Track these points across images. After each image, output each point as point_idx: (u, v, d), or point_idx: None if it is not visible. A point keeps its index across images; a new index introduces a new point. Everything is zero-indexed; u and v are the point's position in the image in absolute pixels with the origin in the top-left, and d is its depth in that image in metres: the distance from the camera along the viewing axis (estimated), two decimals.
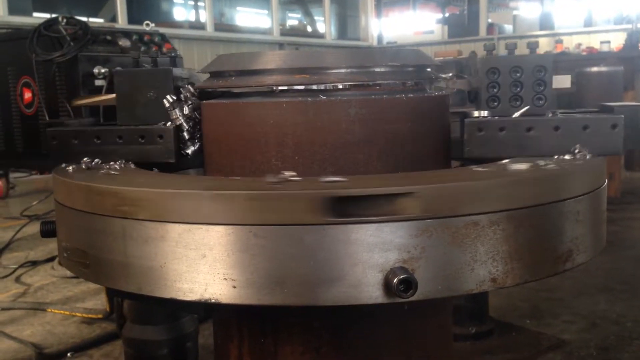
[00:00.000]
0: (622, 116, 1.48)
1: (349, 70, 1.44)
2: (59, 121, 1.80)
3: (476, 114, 1.57)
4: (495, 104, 1.57)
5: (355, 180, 1.24)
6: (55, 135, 1.74)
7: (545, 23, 16.62)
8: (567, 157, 1.46)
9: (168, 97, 1.63)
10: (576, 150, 1.47)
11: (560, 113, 1.58)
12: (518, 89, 1.55)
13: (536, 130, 1.50)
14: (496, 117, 1.54)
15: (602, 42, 10.29)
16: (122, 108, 1.73)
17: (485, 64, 1.57)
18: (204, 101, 1.61)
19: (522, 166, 1.37)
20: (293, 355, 1.49)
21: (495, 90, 1.57)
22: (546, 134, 1.49)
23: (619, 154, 1.51)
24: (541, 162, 1.40)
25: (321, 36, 16.25)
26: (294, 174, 1.27)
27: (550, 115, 1.54)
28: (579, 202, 1.33)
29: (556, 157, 1.46)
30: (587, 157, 1.45)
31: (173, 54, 1.99)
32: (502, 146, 1.51)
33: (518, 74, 1.55)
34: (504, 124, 1.52)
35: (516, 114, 1.54)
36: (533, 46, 1.62)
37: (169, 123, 1.64)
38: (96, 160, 1.63)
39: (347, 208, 1.13)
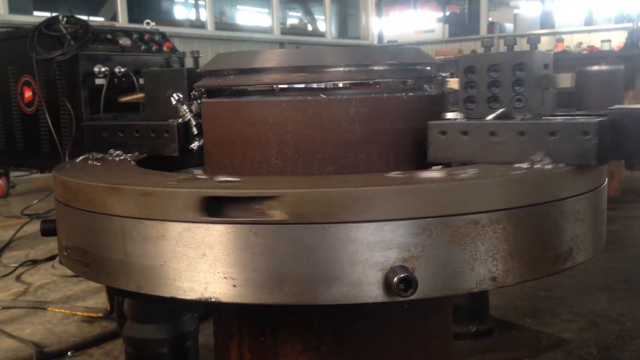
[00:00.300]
0: (595, 121, 1.31)
1: (347, 69, 1.44)
2: (98, 116, 2.00)
3: (450, 115, 1.49)
4: (473, 105, 1.47)
5: (247, 181, 1.28)
6: (89, 128, 1.93)
7: (546, 22, 16.61)
8: (524, 165, 1.31)
9: (175, 94, 1.74)
10: (538, 159, 1.32)
11: (555, 115, 1.47)
12: (497, 90, 1.45)
13: (500, 135, 1.38)
14: (461, 120, 1.45)
15: (602, 41, 10.28)
16: (148, 105, 1.90)
17: (463, 62, 1.48)
18: (204, 100, 1.61)
19: (437, 174, 1.29)
20: (293, 354, 1.50)
21: (473, 90, 1.47)
22: (510, 139, 1.37)
23: (590, 165, 1.32)
24: (457, 171, 1.28)
25: (322, 35, 16.25)
26: (201, 172, 1.31)
27: (519, 118, 1.41)
28: (579, 201, 1.33)
29: (516, 165, 1.33)
30: (548, 167, 1.30)
31: (196, 55, 2.09)
32: (465, 150, 1.42)
33: (496, 73, 1.45)
34: (467, 127, 1.42)
35: (489, 117, 1.43)
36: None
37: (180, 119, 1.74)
38: (118, 152, 1.79)
39: (219, 208, 1.16)
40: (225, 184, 1.23)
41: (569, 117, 1.42)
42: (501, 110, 1.44)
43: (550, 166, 1.31)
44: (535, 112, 1.44)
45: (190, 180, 1.31)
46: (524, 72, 1.43)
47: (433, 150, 1.44)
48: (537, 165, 1.31)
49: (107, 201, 1.29)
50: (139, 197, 1.24)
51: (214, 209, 1.17)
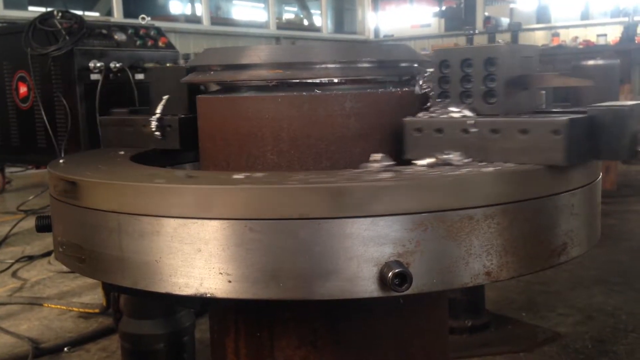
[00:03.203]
0: (566, 120, 1.22)
1: (338, 65, 1.44)
2: (117, 111, 2.03)
3: (420, 114, 1.44)
4: (447, 101, 1.41)
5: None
6: (103, 122, 1.98)
7: (541, 16, 16.61)
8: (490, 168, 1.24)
9: None
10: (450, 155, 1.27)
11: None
12: (469, 85, 1.38)
13: (445, 133, 1.35)
14: (435, 117, 1.39)
15: (598, 35, 10.30)
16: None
17: (437, 56, 1.42)
18: (199, 96, 1.61)
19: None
20: (289, 349, 1.50)
21: (447, 85, 1.42)
22: (483, 136, 1.30)
23: (559, 165, 1.25)
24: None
25: (318, 30, 16.23)
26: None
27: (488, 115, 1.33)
28: (574, 195, 1.34)
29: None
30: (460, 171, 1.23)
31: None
32: (439, 148, 1.34)
33: (468, 68, 1.38)
34: (420, 125, 1.38)
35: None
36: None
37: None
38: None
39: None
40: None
41: (542, 115, 1.35)
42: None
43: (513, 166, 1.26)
44: (506, 108, 1.36)
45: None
46: (495, 67, 1.35)
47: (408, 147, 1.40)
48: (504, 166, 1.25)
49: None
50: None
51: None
